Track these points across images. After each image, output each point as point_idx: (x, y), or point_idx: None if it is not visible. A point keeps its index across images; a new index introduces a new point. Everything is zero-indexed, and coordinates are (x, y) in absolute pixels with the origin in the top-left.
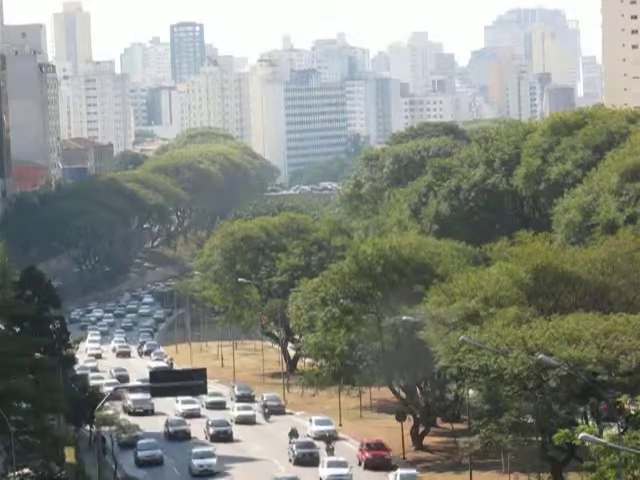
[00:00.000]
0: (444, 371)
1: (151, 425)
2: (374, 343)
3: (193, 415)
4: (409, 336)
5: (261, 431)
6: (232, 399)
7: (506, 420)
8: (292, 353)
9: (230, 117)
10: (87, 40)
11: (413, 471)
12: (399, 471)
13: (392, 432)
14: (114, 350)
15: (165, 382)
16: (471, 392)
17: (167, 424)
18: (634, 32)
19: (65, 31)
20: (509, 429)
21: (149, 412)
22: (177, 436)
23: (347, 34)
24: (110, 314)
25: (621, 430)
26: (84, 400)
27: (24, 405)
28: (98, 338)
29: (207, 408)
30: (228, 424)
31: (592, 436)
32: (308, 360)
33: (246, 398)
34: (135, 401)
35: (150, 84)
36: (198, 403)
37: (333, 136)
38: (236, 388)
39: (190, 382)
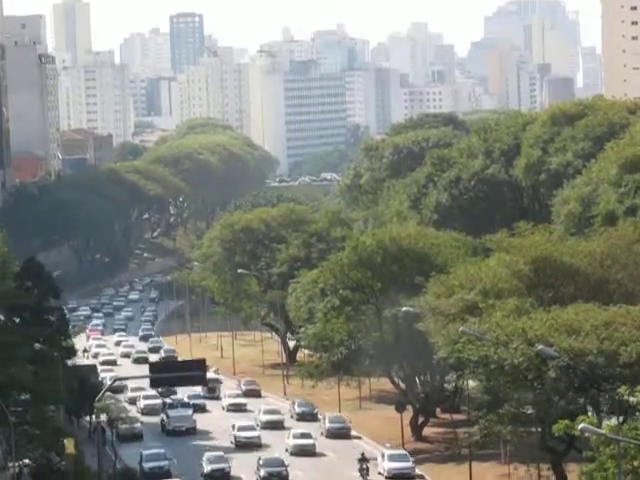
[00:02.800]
0: (444, 362)
1: (185, 454)
2: (374, 334)
3: (252, 444)
4: (409, 327)
5: (323, 466)
6: (292, 417)
7: (506, 411)
8: (292, 344)
9: (230, 108)
10: (86, 31)
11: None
12: None
13: (391, 423)
14: (117, 343)
15: (164, 373)
16: (471, 383)
17: (205, 461)
18: (634, 23)
19: (65, 22)
20: (509, 420)
21: (190, 431)
22: (213, 476)
23: (347, 25)
24: (100, 313)
25: (620, 421)
26: (84, 391)
27: (24, 396)
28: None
29: (262, 428)
30: (283, 464)
31: (592, 427)
32: (308, 351)
33: (308, 416)
34: (174, 418)
35: (149, 75)
36: (257, 430)
37: (333, 127)
38: (297, 405)
39: (189, 373)
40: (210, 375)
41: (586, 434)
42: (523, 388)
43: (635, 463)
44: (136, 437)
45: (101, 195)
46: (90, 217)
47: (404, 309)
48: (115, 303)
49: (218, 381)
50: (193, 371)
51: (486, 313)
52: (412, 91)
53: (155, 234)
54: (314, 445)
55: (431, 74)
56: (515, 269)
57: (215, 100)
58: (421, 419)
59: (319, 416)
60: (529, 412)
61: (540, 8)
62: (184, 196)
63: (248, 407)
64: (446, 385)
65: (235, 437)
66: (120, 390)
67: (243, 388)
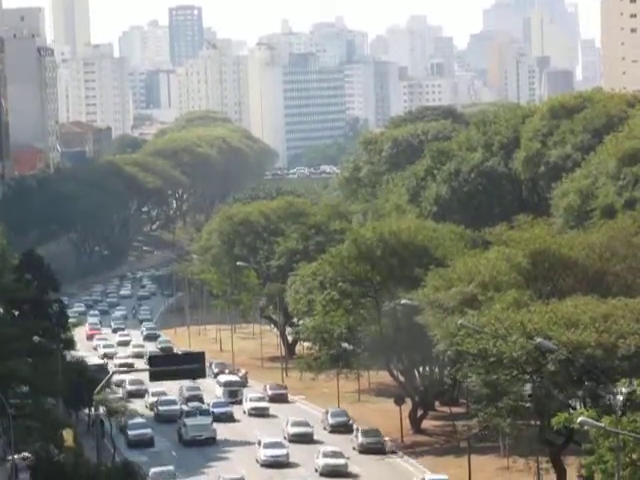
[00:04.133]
0: (442, 355)
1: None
2: (373, 327)
3: (279, 463)
4: (408, 320)
5: None
6: (324, 428)
7: (504, 404)
8: (291, 337)
9: (229, 100)
10: (86, 23)
11: None
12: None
13: (390, 416)
14: (124, 343)
15: (163, 366)
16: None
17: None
18: (633, 16)
19: (64, 14)
20: (507, 413)
21: (209, 441)
22: None
23: (346, 17)
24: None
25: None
26: (83, 383)
27: (23, 388)
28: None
29: (290, 441)
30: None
31: (591, 420)
32: (307, 344)
33: (342, 428)
34: (191, 427)
35: (149, 67)
36: (286, 448)
37: (332, 120)
38: (330, 414)
39: (188, 366)
40: (232, 378)
41: (585, 427)
42: (522, 381)
43: (634, 456)
44: (146, 444)
45: (100, 188)
46: (89, 210)
47: (403, 302)
48: (109, 300)
49: (242, 384)
50: (192, 364)
51: (485, 306)
52: (411, 84)
53: (154, 227)
54: (346, 465)
55: (430, 67)
56: (514, 262)
57: (214, 93)
58: (420, 412)
59: (354, 427)
60: (528, 405)
61: (539, 1)
62: (183, 189)
63: (271, 412)
64: (445, 378)
65: (261, 456)
66: (141, 395)
67: (269, 393)
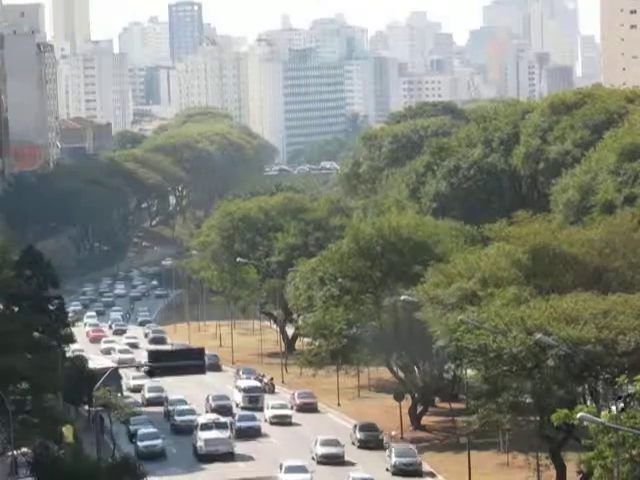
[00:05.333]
0: (442, 351)
1: None
2: (373, 323)
3: None
4: (408, 316)
5: None
6: (353, 443)
7: (504, 400)
8: (290, 333)
9: (228, 96)
10: (85, 20)
11: None
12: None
13: (390, 412)
14: (132, 346)
15: (163, 362)
16: (469, 372)
17: None
18: (632, 12)
19: (63, 10)
20: (507, 409)
21: (227, 457)
22: None
23: (345, 13)
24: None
25: (619, 409)
26: (82, 379)
27: (23, 384)
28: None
29: (319, 462)
30: None
31: (590, 415)
32: (306, 340)
33: (371, 444)
34: (207, 441)
35: (148, 63)
36: (308, 473)
37: (331, 115)
38: (358, 429)
39: (189, 362)
40: (253, 383)
41: (585, 423)
42: (522, 377)
43: (633, 452)
44: (157, 455)
45: (100, 184)
46: (89, 206)
47: (403, 298)
48: (104, 299)
49: (265, 390)
50: (192, 360)
51: (485, 302)
52: (411, 80)
53: (154, 223)
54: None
55: (430, 63)
56: (514, 258)
57: (214, 89)
58: (420, 408)
59: (385, 443)
60: (528, 401)
61: None
62: (183, 185)
63: (299, 422)
64: (445, 374)
65: None
66: (160, 402)
67: (297, 401)
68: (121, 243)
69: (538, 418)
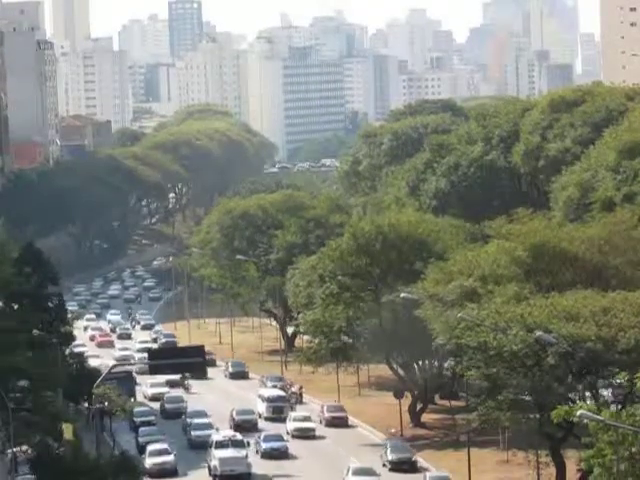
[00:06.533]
0: (442, 348)
1: None
2: (372, 320)
3: None
4: (407, 313)
5: None
6: (384, 465)
7: (504, 397)
8: (290, 330)
9: (228, 94)
10: (85, 17)
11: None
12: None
13: (390, 409)
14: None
15: (163, 359)
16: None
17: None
18: (632, 9)
19: (63, 8)
20: (507, 406)
21: (244, 477)
22: None
23: (345, 11)
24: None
25: (619, 407)
26: (82, 377)
27: (23, 382)
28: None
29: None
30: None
31: (590, 413)
32: (306, 337)
33: (405, 465)
34: (222, 460)
35: (148, 61)
36: None
37: (331, 113)
38: (389, 448)
39: (189, 359)
40: (276, 392)
41: (585, 420)
42: (522, 374)
43: (633, 449)
44: (168, 473)
45: (100, 181)
46: (88, 203)
47: (403, 295)
48: (99, 301)
49: (287, 400)
50: (192, 358)
51: (485, 299)
52: (411, 77)
53: (154, 220)
54: None
55: (429, 60)
56: (514, 255)
57: (214, 86)
58: (420, 405)
59: (418, 464)
60: (527, 399)
61: None
62: (182, 182)
63: (327, 438)
64: (444, 372)
65: None
66: (178, 415)
67: (326, 415)
68: (121, 241)
69: (538, 416)
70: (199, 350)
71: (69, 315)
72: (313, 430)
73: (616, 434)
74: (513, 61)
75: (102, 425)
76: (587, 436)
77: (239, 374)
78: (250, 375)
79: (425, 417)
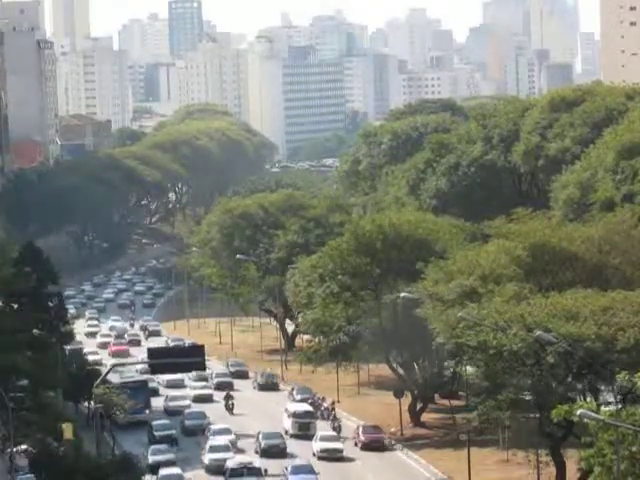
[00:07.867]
0: (442, 348)
1: None
2: (372, 320)
3: None
4: (407, 313)
5: None
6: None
7: (504, 397)
8: (290, 330)
9: (228, 94)
10: (85, 16)
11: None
12: None
13: (390, 409)
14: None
15: (163, 359)
16: (469, 369)
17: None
18: (632, 9)
19: (63, 7)
20: (507, 406)
21: None
22: None
23: (345, 10)
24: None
25: (619, 406)
26: (82, 376)
27: (23, 381)
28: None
29: None
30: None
31: (590, 412)
32: (306, 337)
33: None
34: (233, 471)
35: (148, 60)
36: None
37: (331, 112)
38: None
39: (188, 359)
40: (303, 407)
41: (585, 420)
42: (522, 374)
43: (633, 449)
44: None
45: (100, 181)
46: (88, 203)
47: (403, 295)
48: (95, 305)
49: (314, 416)
50: (193, 357)
51: (485, 299)
52: (410, 77)
53: (154, 220)
54: None
55: (429, 60)
56: (514, 255)
57: (213, 86)
58: (419, 405)
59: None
60: (527, 398)
61: None
62: (182, 182)
63: (361, 464)
64: (444, 371)
65: None
66: (200, 431)
67: (362, 438)
68: (120, 240)
69: (538, 415)
70: (199, 350)
71: (69, 315)
72: (341, 451)
73: (616, 433)
74: (513, 61)
75: (102, 425)
76: (587, 435)
77: (269, 385)
78: (280, 387)
79: (425, 416)
